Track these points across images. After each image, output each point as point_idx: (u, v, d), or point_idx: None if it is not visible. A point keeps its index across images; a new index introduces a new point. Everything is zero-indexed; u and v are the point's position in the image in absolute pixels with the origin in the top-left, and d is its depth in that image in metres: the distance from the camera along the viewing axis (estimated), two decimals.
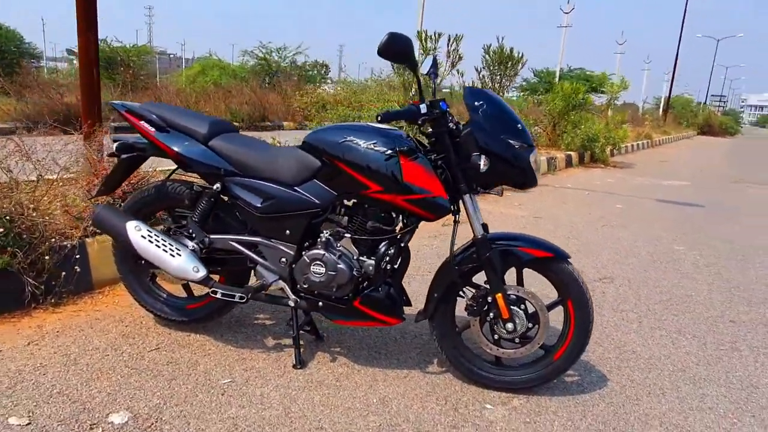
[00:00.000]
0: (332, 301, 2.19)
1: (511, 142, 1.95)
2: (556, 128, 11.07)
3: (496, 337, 2.14)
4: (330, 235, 2.16)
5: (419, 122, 2.02)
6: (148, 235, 2.19)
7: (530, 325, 2.10)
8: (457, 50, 7.40)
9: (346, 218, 2.22)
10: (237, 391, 2.07)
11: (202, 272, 2.19)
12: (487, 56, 9.46)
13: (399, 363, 2.38)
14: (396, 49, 1.89)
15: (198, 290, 2.52)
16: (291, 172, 2.16)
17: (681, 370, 2.48)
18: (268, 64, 19.23)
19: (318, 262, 2.12)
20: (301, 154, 2.16)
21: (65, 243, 2.70)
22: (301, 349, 2.31)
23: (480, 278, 2.16)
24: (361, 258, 2.15)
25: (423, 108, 1.98)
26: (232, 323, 2.61)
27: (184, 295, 2.56)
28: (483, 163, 1.91)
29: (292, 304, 2.21)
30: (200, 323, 2.51)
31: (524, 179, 2.00)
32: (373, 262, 2.13)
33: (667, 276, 3.88)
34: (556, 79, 19.32)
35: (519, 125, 2.00)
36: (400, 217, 2.15)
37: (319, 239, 2.18)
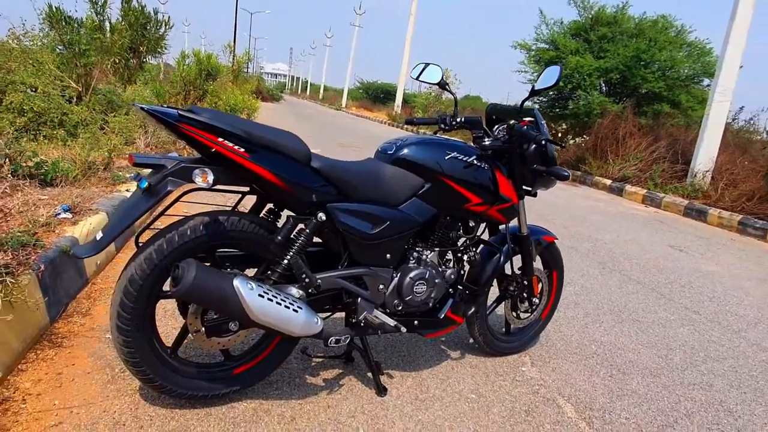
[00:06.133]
0: (425, 316, 2.18)
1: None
2: (188, 97, 10.59)
3: (516, 312, 2.60)
4: (424, 251, 2.12)
5: (480, 133, 2.22)
6: (264, 292, 1.62)
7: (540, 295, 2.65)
8: (143, 6, 6.38)
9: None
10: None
11: (321, 323, 1.79)
12: (129, 16, 8.31)
13: (432, 357, 2.52)
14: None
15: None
16: (396, 192, 1.99)
17: (575, 303, 3.50)
18: None
19: (421, 281, 2.08)
20: (402, 172, 2.00)
21: None
22: (379, 375, 2.18)
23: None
24: (442, 268, 2.21)
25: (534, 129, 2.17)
26: None
27: (214, 359, 1.92)
28: (568, 174, 2.27)
29: (404, 329, 2.06)
30: (248, 387, 1.95)
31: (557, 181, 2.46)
32: (453, 269, 2.23)
33: None
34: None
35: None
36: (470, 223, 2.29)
37: (413, 257, 2.11)
